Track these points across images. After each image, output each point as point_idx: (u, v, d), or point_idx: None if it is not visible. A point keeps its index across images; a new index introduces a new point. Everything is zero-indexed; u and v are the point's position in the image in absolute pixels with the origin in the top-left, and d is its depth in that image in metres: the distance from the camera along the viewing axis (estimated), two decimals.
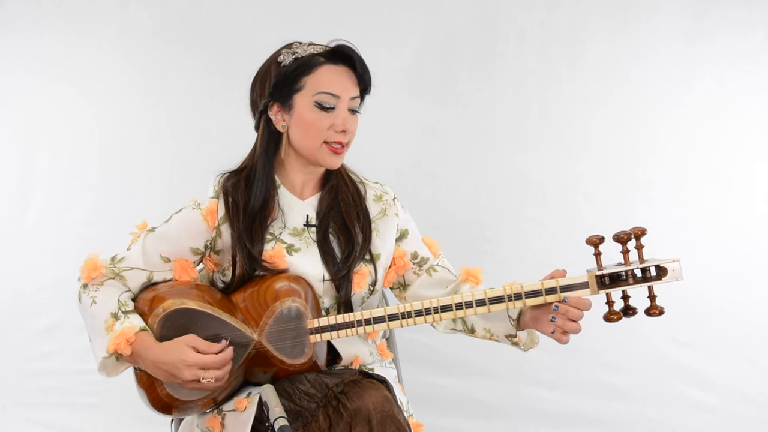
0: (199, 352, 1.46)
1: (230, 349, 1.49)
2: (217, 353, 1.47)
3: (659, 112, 2.87)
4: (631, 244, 1.44)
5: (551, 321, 1.46)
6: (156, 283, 1.61)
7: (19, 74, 2.94)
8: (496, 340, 1.63)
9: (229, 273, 1.61)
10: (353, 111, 1.61)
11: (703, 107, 2.86)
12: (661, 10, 2.84)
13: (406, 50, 2.89)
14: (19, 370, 2.92)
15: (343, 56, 1.59)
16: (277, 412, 1.27)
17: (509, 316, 1.57)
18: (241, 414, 1.51)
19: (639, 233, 1.42)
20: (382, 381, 1.53)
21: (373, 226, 1.67)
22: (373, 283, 1.64)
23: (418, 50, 2.89)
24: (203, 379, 1.45)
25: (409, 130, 2.91)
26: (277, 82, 1.58)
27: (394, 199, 1.74)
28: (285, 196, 1.65)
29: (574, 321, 1.46)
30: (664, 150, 2.88)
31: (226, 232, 1.61)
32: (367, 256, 1.64)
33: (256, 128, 1.66)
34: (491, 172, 2.90)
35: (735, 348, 2.82)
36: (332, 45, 1.61)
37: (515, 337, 1.60)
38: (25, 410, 2.85)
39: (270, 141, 1.63)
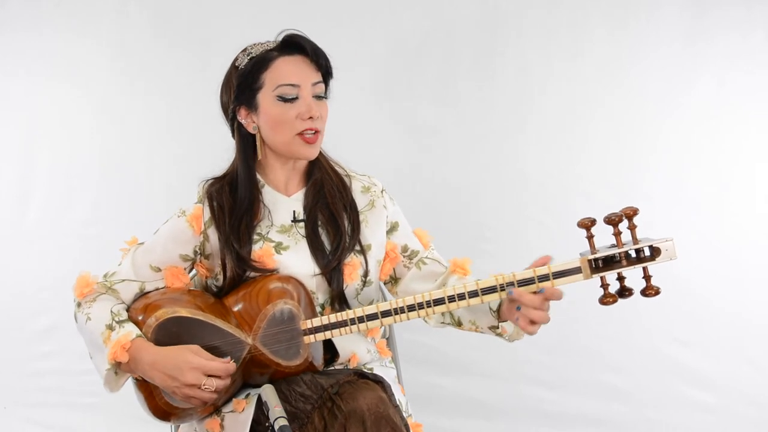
0: None
1: (233, 364, 1.49)
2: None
3: (659, 112, 2.87)
4: (624, 226, 1.40)
5: (517, 309, 1.44)
6: (148, 292, 1.61)
7: (19, 74, 2.94)
8: (482, 332, 1.62)
9: (221, 277, 1.61)
10: (319, 97, 1.60)
11: (703, 107, 2.86)
12: (661, 10, 2.84)
13: (406, 50, 2.89)
14: (19, 370, 2.92)
15: (295, 45, 1.58)
16: (277, 412, 1.27)
17: (490, 308, 1.56)
18: (239, 415, 1.51)
19: (631, 213, 1.38)
20: (378, 381, 1.53)
21: (361, 217, 1.66)
22: (366, 274, 1.64)
23: (418, 50, 2.89)
24: (204, 385, 1.44)
25: (409, 130, 2.91)
26: (239, 85, 1.58)
27: (382, 191, 1.73)
28: (270, 195, 1.65)
29: (529, 306, 1.42)
30: (664, 150, 2.88)
31: (213, 235, 1.60)
32: (357, 247, 1.63)
33: (233, 135, 1.66)
34: (491, 172, 2.90)
35: (735, 348, 2.82)
36: (281, 37, 1.60)
37: (498, 328, 1.59)
38: (25, 410, 2.85)
39: (246, 145, 1.63)
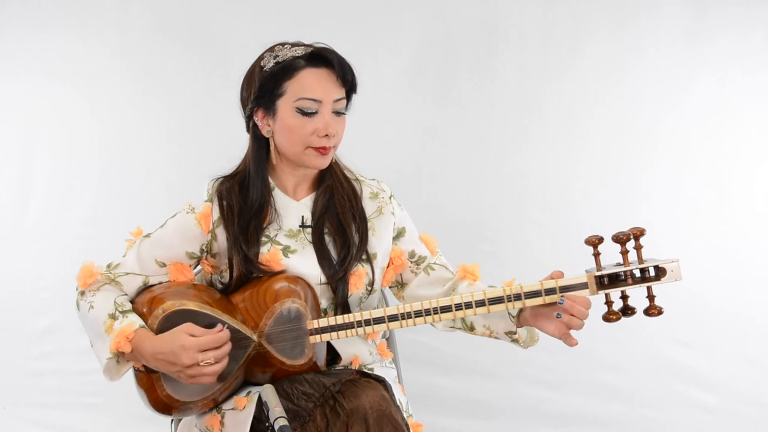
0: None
1: (227, 330, 1.48)
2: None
3: (659, 112, 2.87)
4: (630, 245, 1.43)
5: (557, 317, 1.46)
6: (152, 285, 1.61)
7: (19, 74, 2.94)
8: (496, 338, 1.63)
9: (227, 275, 1.61)
10: (338, 113, 1.58)
11: (703, 107, 2.86)
12: (661, 10, 2.84)
13: (406, 50, 2.89)
14: (19, 370, 2.92)
15: (323, 59, 1.56)
16: (277, 412, 1.27)
17: (509, 314, 1.58)
18: (240, 413, 1.51)
19: (638, 234, 1.41)
20: (380, 381, 1.53)
21: (369, 224, 1.66)
22: (371, 283, 1.64)
23: (418, 50, 2.89)
24: (202, 361, 1.43)
25: (410, 131, 2.91)
26: (260, 87, 1.56)
27: (390, 197, 1.73)
28: (280, 198, 1.65)
29: (577, 317, 1.46)
30: (664, 150, 2.88)
31: (221, 235, 1.60)
32: (364, 256, 1.63)
33: (248, 131, 1.65)
34: (491, 172, 2.90)
35: (735, 348, 2.82)
36: (312, 47, 1.58)
37: (515, 334, 1.60)
38: (25, 410, 2.84)
39: (259, 145, 1.62)
